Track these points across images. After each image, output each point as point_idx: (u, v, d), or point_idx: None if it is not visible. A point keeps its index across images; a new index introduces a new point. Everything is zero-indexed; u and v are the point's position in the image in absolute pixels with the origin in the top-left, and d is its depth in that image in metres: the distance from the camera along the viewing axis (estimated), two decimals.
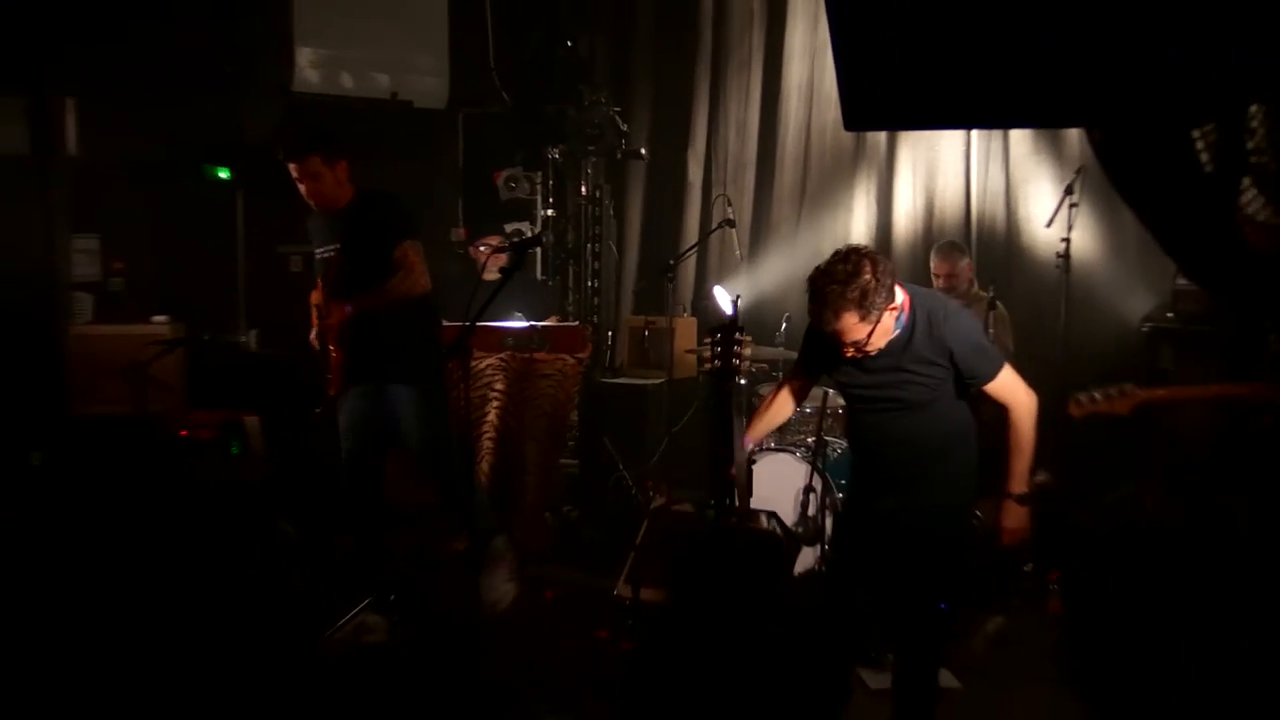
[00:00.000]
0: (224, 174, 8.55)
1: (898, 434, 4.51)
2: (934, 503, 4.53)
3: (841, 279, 4.27)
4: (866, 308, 4.23)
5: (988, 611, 6.14)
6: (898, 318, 4.38)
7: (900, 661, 4.76)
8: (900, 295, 4.38)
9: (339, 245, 5.80)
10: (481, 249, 7.81)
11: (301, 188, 5.79)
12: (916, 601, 4.64)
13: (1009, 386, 4.46)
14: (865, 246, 4.46)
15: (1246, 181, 2.03)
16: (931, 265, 7.38)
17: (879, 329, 4.30)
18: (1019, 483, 4.51)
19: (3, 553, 5.11)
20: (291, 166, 5.75)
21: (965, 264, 7.35)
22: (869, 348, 4.36)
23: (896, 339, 4.40)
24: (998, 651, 5.81)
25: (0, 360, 7.34)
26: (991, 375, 4.42)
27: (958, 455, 4.53)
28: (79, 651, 4.78)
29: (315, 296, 5.93)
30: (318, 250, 5.94)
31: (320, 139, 5.81)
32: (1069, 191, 6.55)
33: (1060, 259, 6.71)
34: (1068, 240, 6.65)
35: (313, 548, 5.18)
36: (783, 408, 4.89)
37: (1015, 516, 4.55)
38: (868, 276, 4.23)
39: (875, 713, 5.08)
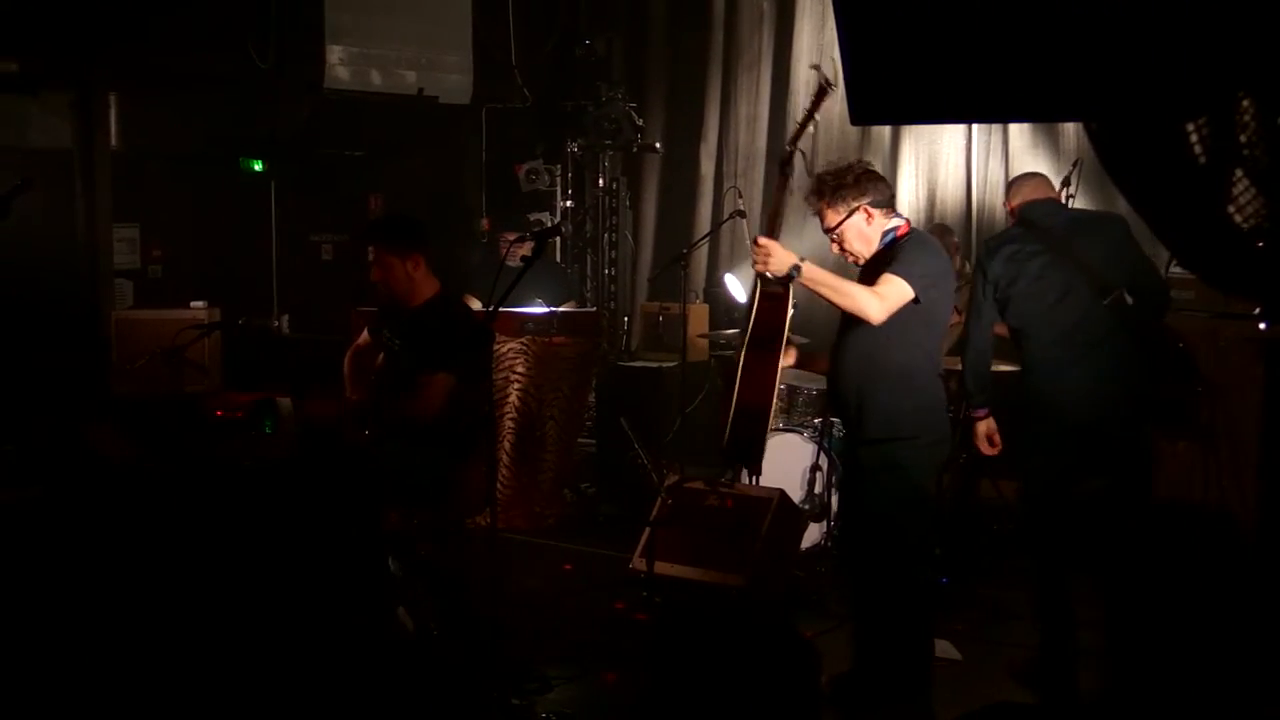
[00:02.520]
0: (258, 166, 8.56)
1: (848, 356, 4.60)
2: (866, 437, 4.57)
3: (831, 169, 4.65)
4: (833, 195, 4.51)
5: (986, 586, 6.13)
6: (886, 235, 4.52)
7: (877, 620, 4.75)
8: (898, 220, 4.56)
9: (400, 343, 5.38)
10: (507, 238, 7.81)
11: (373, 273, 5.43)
12: (871, 542, 4.66)
13: (885, 281, 4.38)
14: (866, 164, 4.69)
15: (1239, 174, 2.01)
16: None
17: (849, 227, 4.51)
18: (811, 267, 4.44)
19: (42, 530, 5.10)
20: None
21: (951, 242, 7.32)
22: (846, 248, 4.57)
23: (880, 256, 4.49)
24: (994, 622, 5.79)
25: (47, 343, 7.36)
26: (893, 270, 4.39)
27: (895, 393, 4.50)
28: (108, 627, 4.79)
29: (362, 340, 5.76)
30: (387, 333, 5.48)
31: (385, 229, 5.50)
32: (1066, 183, 6.49)
33: None
34: None
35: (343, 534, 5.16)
36: None
37: (778, 254, 4.44)
38: (849, 173, 4.54)
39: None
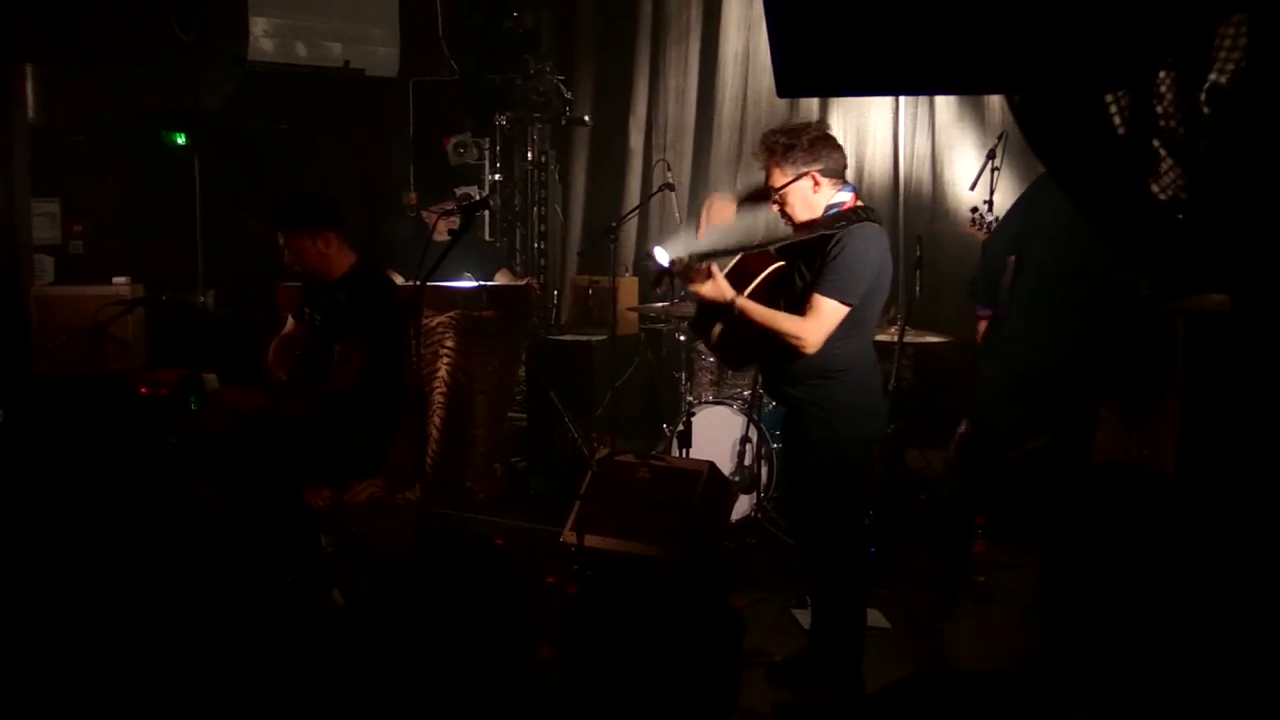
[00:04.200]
0: (181, 140, 8.41)
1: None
2: (801, 415, 4.58)
3: (786, 127, 4.54)
4: (784, 155, 4.39)
5: (915, 554, 6.19)
6: (831, 207, 4.43)
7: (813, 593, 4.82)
8: (845, 194, 4.47)
9: (320, 318, 5.41)
10: (433, 212, 7.75)
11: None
12: (807, 525, 4.71)
13: (817, 309, 4.35)
14: (822, 128, 4.57)
15: (1158, 146, 2.03)
16: None
17: (795, 190, 4.41)
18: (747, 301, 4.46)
19: None
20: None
21: None
22: (788, 210, 4.46)
23: (818, 223, 4.42)
24: (925, 593, 5.85)
25: None
26: (822, 289, 4.33)
27: (829, 378, 4.47)
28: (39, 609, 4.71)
29: (288, 329, 5.67)
30: (308, 310, 5.51)
31: (290, 212, 5.44)
32: (991, 156, 6.56)
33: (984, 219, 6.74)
34: (990, 202, 6.67)
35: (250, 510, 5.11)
36: None
37: (720, 285, 4.45)
38: (803, 135, 4.43)
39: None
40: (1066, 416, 4.95)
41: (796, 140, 4.43)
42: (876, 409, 4.70)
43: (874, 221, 4.48)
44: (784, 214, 4.52)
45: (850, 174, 8.24)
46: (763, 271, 4.59)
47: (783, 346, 4.40)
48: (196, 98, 8.17)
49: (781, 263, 4.61)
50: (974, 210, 6.51)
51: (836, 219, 4.42)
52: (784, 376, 4.56)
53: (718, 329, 4.64)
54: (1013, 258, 5.25)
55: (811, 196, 4.44)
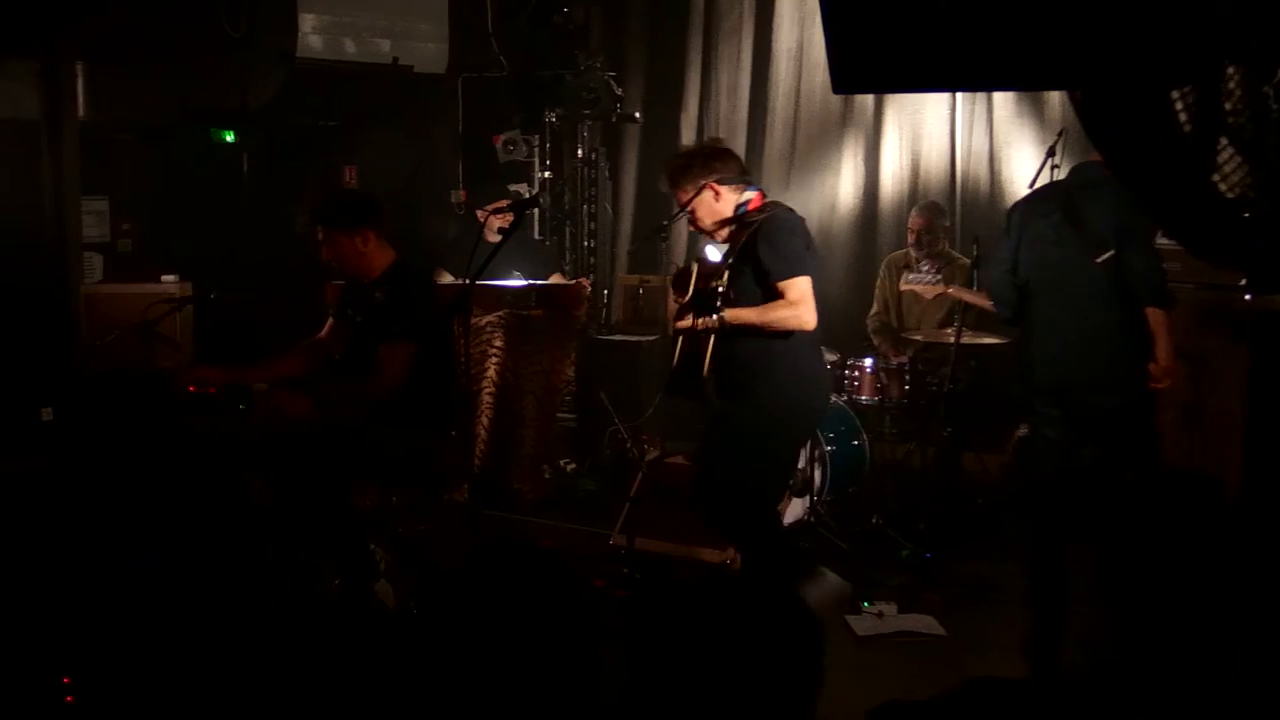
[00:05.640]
0: (229, 137, 8.49)
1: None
2: (735, 401, 4.86)
3: (678, 154, 5.21)
4: (681, 176, 4.88)
5: (972, 560, 6.17)
6: (739, 208, 4.85)
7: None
8: (750, 193, 4.90)
9: (361, 319, 5.43)
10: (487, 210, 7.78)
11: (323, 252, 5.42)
12: (726, 512, 5.00)
13: (789, 289, 4.69)
14: (717, 143, 5.24)
15: (1224, 143, 2.01)
16: (909, 223, 7.42)
17: (699, 204, 4.87)
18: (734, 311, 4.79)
19: (11, 506, 5.10)
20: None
21: (942, 224, 7.38)
22: (699, 223, 4.95)
23: (740, 234, 4.82)
24: (979, 597, 5.82)
25: (14, 318, 7.31)
26: (782, 275, 4.69)
27: (769, 365, 4.79)
28: (80, 607, 4.78)
29: (325, 329, 5.70)
30: (350, 310, 5.52)
31: (329, 209, 5.47)
32: (1051, 153, 6.50)
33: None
34: None
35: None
36: None
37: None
38: (694, 155, 4.96)
39: (862, 659, 5.10)
40: (1108, 426, 4.91)
41: (689, 161, 4.94)
42: (819, 379, 5.06)
43: (785, 208, 4.93)
44: (698, 227, 4.99)
45: (905, 172, 8.37)
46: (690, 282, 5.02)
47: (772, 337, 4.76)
48: (245, 95, 8.23)
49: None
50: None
51: (752, 223, 4.81)
52: (735, 365, 4.82)
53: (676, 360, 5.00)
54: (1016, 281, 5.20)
55: (715, 205, 4.88)
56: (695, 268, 5.02)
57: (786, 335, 4.77)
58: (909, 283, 7.25)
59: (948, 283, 6.96)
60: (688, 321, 4.83)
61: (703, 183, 4.83)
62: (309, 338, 5.71)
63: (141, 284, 7.54)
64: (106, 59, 8.32)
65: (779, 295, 4.70)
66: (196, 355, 7.25)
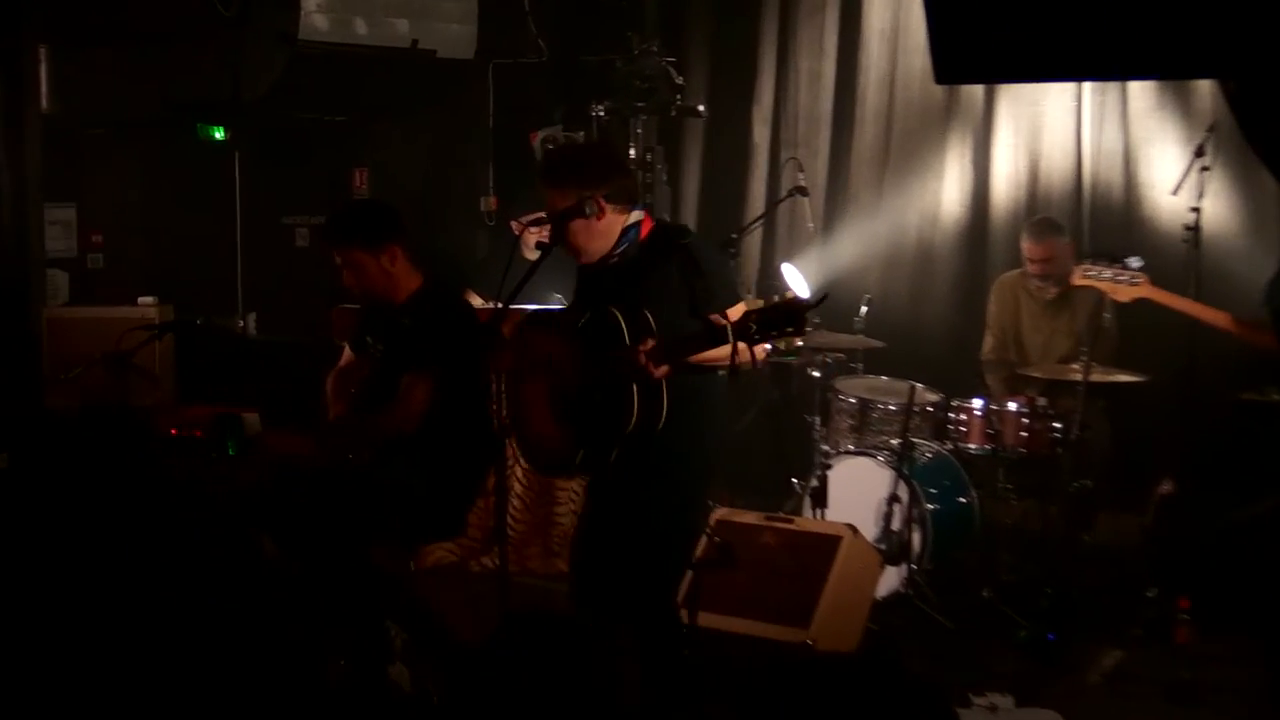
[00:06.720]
0: (219, 134, 8.61)
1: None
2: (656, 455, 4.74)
3: (566, 148, 5.45)
4: (564, 178, 4.75)
5: (1103, 644, 6.13)
6: (628, 232, 4.78)
7: None
8: (638, 213, 4.85)
9: (383, 347, 5.52)
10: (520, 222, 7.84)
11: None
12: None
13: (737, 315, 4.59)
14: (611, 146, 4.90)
15: None
16: (1023, 247, 7.34)
17: (576, 223, 4.69)
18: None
19: None
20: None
21: (1064, 244, 7.31)
22: (572, 241, 4.77)
23: (623, 258, 4.79)
24: (1114, 689, 5.79)
25: None
26: (721, 305, 4.62)
27: (692, 411, 4.73)
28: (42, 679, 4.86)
29: (344, 361, 5.79)
30: (370, 339, 5.63)
31: (348, 225, 5.54)
32: (1199, 153, 6.48)
33: (1189, 232, 6.65)
34: (1198, 210, 6.58)
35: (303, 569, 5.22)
36: None
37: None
38: (586, 155, 5.02)
39: None
40: None
41: (579, 160, 4.89)
42: (722, 427, 5.09)
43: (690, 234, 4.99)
44: (566, 242, 4.81)
45: (1022, 176, 8.38)
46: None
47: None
48: (237, 84, 8.34)
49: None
50: (1187, 228, 6.38)
51: (654, 241, 4.81)
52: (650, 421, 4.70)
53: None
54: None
55: (598, 224, 4.74)
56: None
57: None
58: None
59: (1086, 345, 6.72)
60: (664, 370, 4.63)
61: (589, 194, 4.69)
62: (329, 369, 5.78)
63: (114, 307, 7.65)
64: (74, 41, 8.44)
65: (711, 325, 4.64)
66: (179, 391, 7.33)
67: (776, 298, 5.17)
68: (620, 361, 4.54)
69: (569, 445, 4.79)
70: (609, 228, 4.77)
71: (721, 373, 4.73)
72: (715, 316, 4.56)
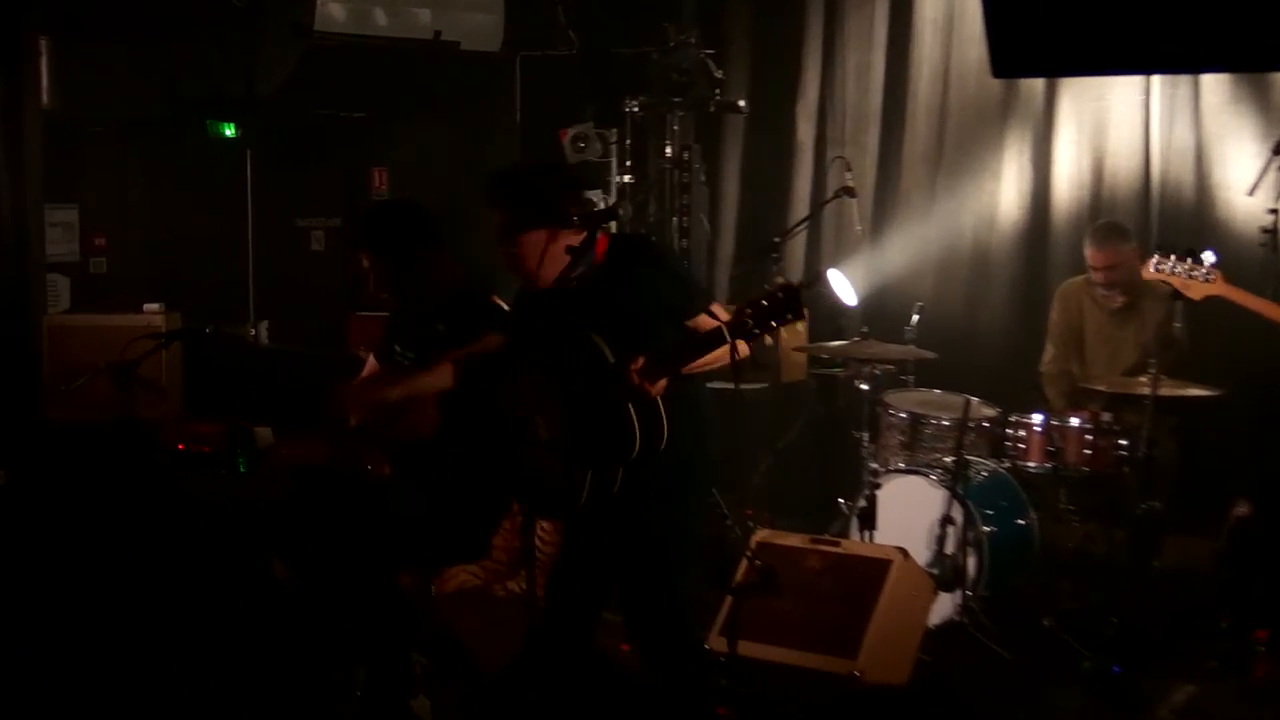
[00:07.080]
0: (229, 132, 8.64)
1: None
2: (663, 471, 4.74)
3: (521, 170, 5.16)
4: (500, 200, 4.77)
5: (1174, 678, 6.10)
6: (585, 256, 4.74)
7: None
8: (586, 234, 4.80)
9: (413, 356, 5.53)
10: None
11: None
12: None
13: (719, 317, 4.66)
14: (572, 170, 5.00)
15: None
16: (1086, 255, 7.29)
17: (531, 243, 4.71)
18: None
19: None
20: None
21: (1130, 250, 7.26)
22: (526, 265, 4.76)
23: (583, 280, 4.75)
24: None
25: None
26: (698, 309, 4.72)
27: (693, 426, 4.80)
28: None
29: (368, 372, 5.82)
30: (398, 349, 5.65)
31: (377, 227, 5.58)
32: (1277, 151, 6.47)
33: (1266, 235, 6.63)
34: (1275, 212, 6.57)
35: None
36: None
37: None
38: (543, 178, 4.86)
39: None
40: None
41: (534, 183, 4.85)
42: (718, 430, 5.16)
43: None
44: (516, 265, 4.81)
45: (1086, 176, 8.36)
46: None
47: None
48: (250, 79, 8.38)
49: None
50: (1264, 230, 6.36)
51: (615, 255, 4.84)
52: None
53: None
54: None
55: (553, 248, 4.74)
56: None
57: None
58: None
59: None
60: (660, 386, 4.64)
61: (534, 224, 4.73)
62: (346, 382, 5.79)
63: (118, 314, 7.67)
64: (76, 33, 8.48)
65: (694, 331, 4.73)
66: (186, 404, 7.36)
67: (768, 286, 5.15)
68: (613, 385, 4.53)
69: (571, 482, 4.72)
70: (552, 249, 4.75)
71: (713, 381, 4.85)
72: (704, 318, 4.64)
